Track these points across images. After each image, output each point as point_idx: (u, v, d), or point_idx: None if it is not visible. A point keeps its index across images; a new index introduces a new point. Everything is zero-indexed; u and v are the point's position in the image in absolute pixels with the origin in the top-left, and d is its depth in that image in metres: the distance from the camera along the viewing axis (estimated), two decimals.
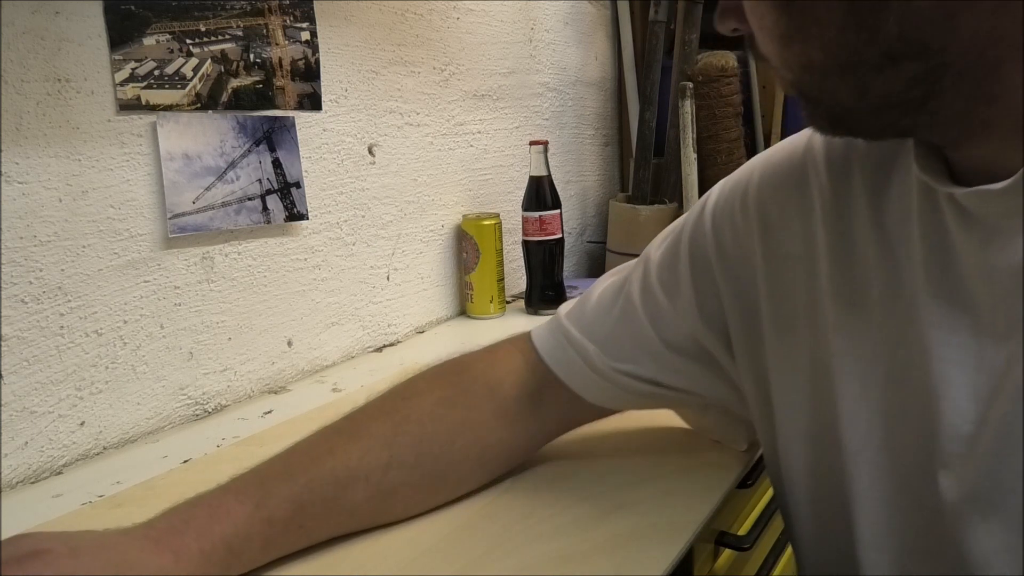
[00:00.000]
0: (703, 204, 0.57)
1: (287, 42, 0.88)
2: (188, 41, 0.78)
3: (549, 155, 1.17)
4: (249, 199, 0.85)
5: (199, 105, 0.79)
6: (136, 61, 0.74)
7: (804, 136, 0.52)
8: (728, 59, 1.34)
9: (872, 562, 0.46)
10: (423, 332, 1.11)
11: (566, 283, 1.21)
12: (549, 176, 1.16)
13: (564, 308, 0.63)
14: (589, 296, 0.62)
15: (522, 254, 1.19)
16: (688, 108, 1.24)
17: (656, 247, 0.59)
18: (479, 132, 1.21)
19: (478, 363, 0.62)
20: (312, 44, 0.91)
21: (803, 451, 0.51)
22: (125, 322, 0.75)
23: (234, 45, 0.82)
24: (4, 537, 0.58)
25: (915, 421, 0.43)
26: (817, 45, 0.36)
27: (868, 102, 0.37)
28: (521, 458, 0.62)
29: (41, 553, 0.42)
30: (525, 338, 0.63)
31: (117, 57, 0.73)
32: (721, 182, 0.57)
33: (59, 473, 0.70)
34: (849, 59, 0.36)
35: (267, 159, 0.86)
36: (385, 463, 0.54)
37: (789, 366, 0.51)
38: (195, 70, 0.79)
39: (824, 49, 0.36)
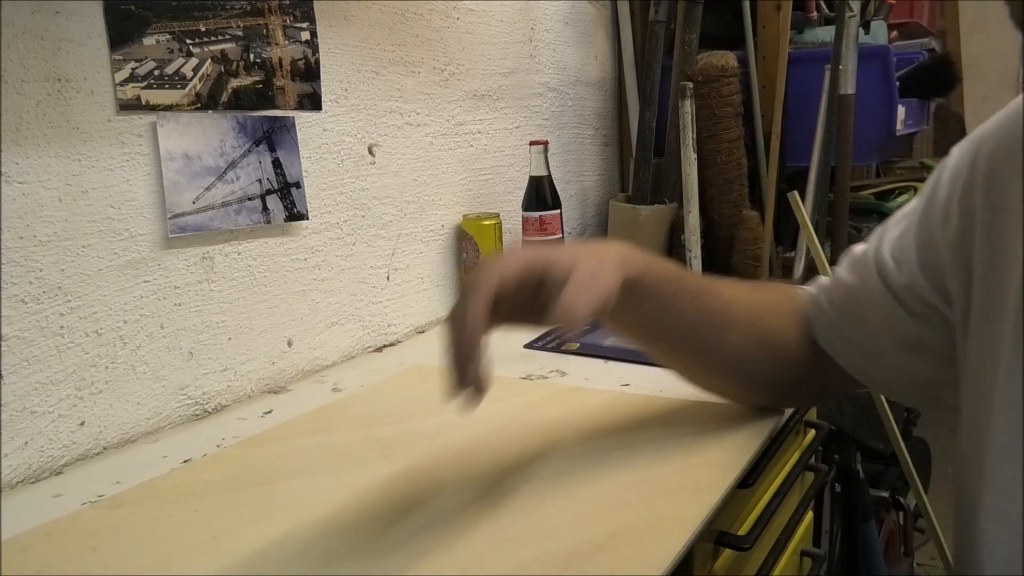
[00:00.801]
0: (944, 162, 0.57)
1: (287, 42, 0.88)
2: (188, 41, 0.78)
3: (549, 155, 1.17)
4: (249, 199, 0.85)
5: (199, 105, 0.79)
6: (136, 61, 0.74)
7: None
8: (728, 59, 1.34)
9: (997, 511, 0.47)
10: (423, 332, 1.11)
11: None
12: (549, 176, 1.16)
13: None
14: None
15: None
16: (688, 108, 1.24)
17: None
18: (479, 132, 1.21)
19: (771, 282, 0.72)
20: (312, 44, 0.91)
21: (965, 400, 0.52)
22: (125, 322, 0.75)
23: (234, 45, 0.82)
24: (5, 538, 0.59)
25: None
26: None
27: None
28: (788, 380, 0.69)
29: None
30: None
31: (117, 57, 0.73)
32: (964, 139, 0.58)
33: (59, 473, 0.70)
34: None
35: (267, 159, 0.86)
36: (726, 300, 0.66)
37: (985, 318, 0.50)
38: (195, 70, 0.79)
39: None
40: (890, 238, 0.60)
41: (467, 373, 0.50)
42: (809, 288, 0.69)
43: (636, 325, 0.66)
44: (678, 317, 0.64)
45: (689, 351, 0.68)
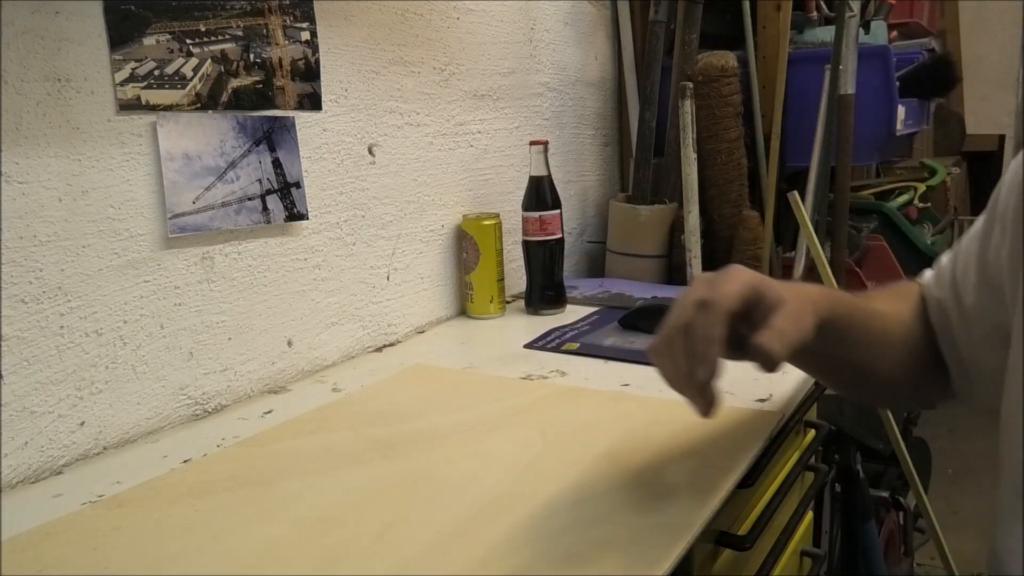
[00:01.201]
0: (1004, 177, 0.58)
1: (287, 42, 0.88)
2: (188, 41, 0.78)
3: (549, 155, 1.17)
4: (249, 199, 0.85)
5: (199, 105, 0.79)
6: (136, 61, 0.74)
7: None
8: (728, 59, 1.34)
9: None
10: (423, 332, 1.11)
11: (566, 283, 1.21)
12: (549, 176, 1.16)
13: None
14: None
15: (522, 254, 1.19)
16: (688, 108, 1.24)
17: None
18: (479, 132, 1.21)
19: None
20: (312, 44, 0.91)
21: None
22: (125, 322, 0.75)
23: (234, 45, 0.82)
24: (5, 538, 0.59)
25: None
26: None
27: None
28: (934, 383, 0.69)
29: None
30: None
31: (117, 57, 0.73)
32: None
33: (59, 473, 0.70)
34: None
35: (267, 159, 0.86)
36: (885, 319, 0.66)
37: None
38: (195, 70, 0.79)
39: None
40: (964, 252, 0.60)
41: (711, 395, 0.52)
42: (923, 290, 0.69)
43: (810, 358, 0.66)
44: (849, 347, 0.65)
45: (855, 375, 0.69)
